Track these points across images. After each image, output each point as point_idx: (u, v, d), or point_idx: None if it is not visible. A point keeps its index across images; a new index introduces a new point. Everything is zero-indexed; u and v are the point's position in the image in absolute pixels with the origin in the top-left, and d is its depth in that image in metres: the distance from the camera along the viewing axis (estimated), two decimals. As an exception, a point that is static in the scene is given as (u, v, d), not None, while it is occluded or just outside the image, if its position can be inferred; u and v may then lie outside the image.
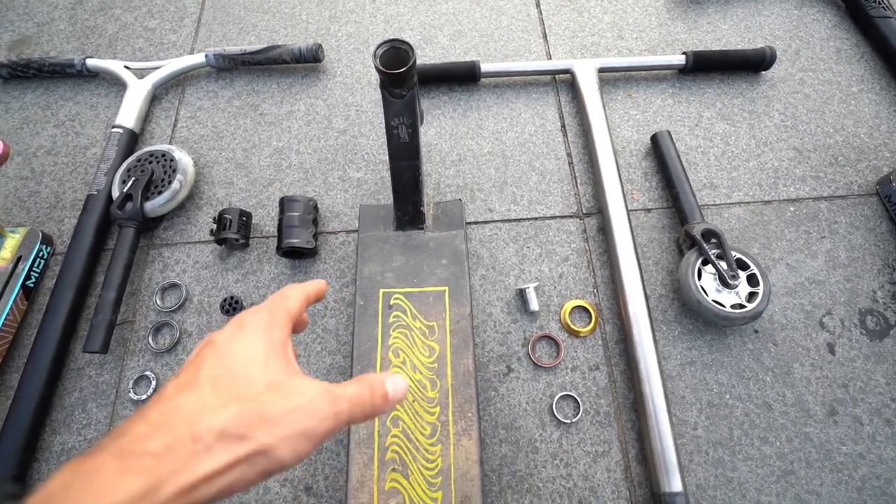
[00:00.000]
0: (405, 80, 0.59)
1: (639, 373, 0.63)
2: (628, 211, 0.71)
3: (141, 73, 0.88)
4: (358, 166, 0.80)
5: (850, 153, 0.79)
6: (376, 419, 0.58)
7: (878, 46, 0.88)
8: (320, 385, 0.27)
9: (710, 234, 0.68)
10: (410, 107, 0.62)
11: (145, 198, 0.74)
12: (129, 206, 0.74)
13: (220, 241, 0.72)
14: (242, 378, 0.26)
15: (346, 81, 0.88)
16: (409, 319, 0.64)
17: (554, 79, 0.86)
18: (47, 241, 0.77)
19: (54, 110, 0.89)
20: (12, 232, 0.76)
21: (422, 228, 0.69)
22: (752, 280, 0.66)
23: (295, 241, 0.69)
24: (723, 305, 0.64)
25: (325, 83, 0.88)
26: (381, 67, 0.56)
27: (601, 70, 0.83)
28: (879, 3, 0.89)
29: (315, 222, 0.73)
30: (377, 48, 0.57)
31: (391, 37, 0.57)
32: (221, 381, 0.26)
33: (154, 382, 0.67)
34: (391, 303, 0.65)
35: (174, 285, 0.73)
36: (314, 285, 0.37)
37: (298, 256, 0.73)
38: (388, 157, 0.62)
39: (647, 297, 0.66)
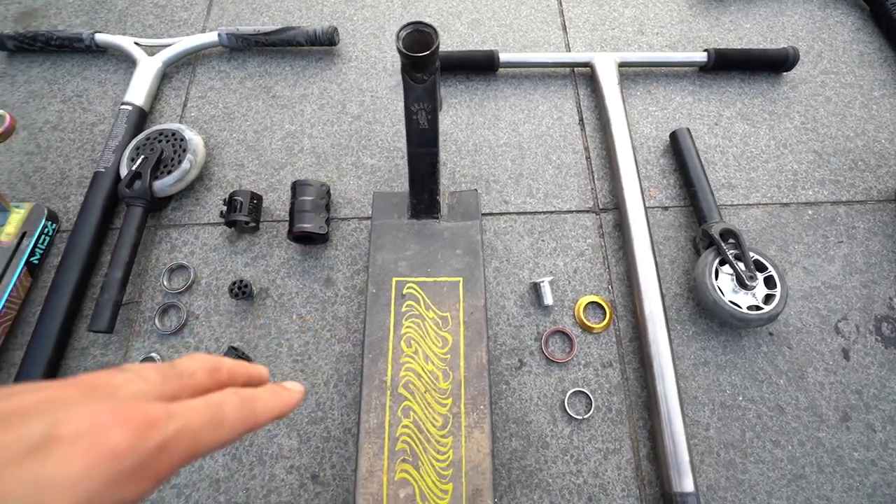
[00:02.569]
0: (427, 64, 0.58)
1: (652, 371, 0.62)
2: (646, 208, 0.70)
3: (151, 51, 0.86)
4: (372, 153, 0.78)
5: (871, 158, 0.78)
6: (387, 409, 0.58)
7: (900, 51, 0.87)
8: None
9: (728, 234, 0.67)
10: (431, 92, 0.61)
11: (154, 177, 0.73)
12: (137, 184, 0.73)
13: (229, 224, 0.71)
14: None
15: (361, 66, 0.86)
16: (423, 309, 0.63)
17: (573, 71, 0.85)
18: (52, 217, 0.75)
19: (61, 85, 0.88)
20: (17, 207, 0.74)
21: (436, 217, 0.68)
22: (769, 282, 0.66)
23: (307, 226, 0.68)
24: (739, 306, 0.63)
25: (339, 67, 0.86)
26: (403, 50, 0.55)
27: (621, 64, 0.82)
28: (903, 8, 0.88)
29: (328, 208, 0.72)
30: (400, 30, 0.56)
31: (411, 21, 0.56)
32: None
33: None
34: (404, 292, 0.64)
35: (182, 267, 0.72)
36: (279, 401, 0.26)
37: (309, 242, 0.71)
38: (403, 144, 0.61)
39: (662, 296, 0.65)
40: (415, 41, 0.57)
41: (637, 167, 0.73)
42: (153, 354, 0.67)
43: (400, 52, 0.55)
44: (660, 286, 0.66)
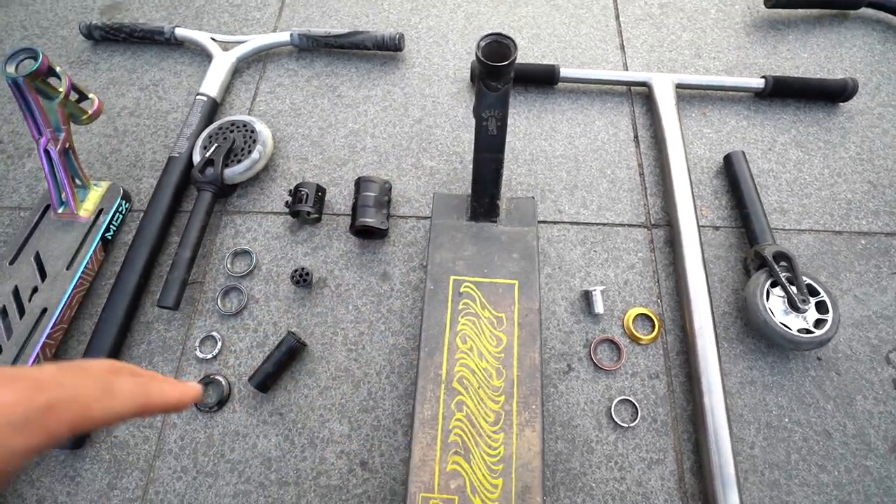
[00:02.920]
0: (503, 74, 0.60)
1: (700, 385, 0.63)
2: (699, 226, 0.72)
3: (226, 46, 0.91)
4: (431, 155, 0.81)
5: (926, 192, 0.79)
6: (441, 401, 0.59)
7: (958, 89, 0.88)
8: None
9: (781, 257, 0.68)
10: (503, 101, 0.63)
11: (225, 164, 0.77)
12: (209, 170, 0.76)
13: (294, 214, 0.74)
14: None
15: (423, 72, 0.90)
16: (478, 308, 0.65)
17: (629, 90, 0.87)
18: (126, 197, 0.79)
19: (139, 74, 0.93)
20: (95, 185, 0.79)
21: (494, 221, 0.71)
22: (820, 307, 0.66)
23: (369, 221, 0.71)
24: (790, 328, 0.64)
25: (403, 72, 0.90)
26: (483, 58, 0.58)
27: (679, 86, 0.84)
28: (963, 47, 0.88)
29: (389, 204, 0.74)
30: (481, 39, 0.59)
31: (495, 31, 0.58)
32: None
33: (220, 344, 0.69)
34: (461, 290, 0.66)
35: (245, 252, 0.75)
36: (175, 392, 0.30)
37: (369, 236, 0.74)
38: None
39: (713, 312, 0.66)
40: (492, 51, 0.60)
41: (691, 186, 0.74)
42: (214, 333, 0.70)
43: (479, 59, 0.58)
44: (710, 303, 0.67)
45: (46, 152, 0.72)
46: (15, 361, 0.64)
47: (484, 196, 0.69)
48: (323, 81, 0.89)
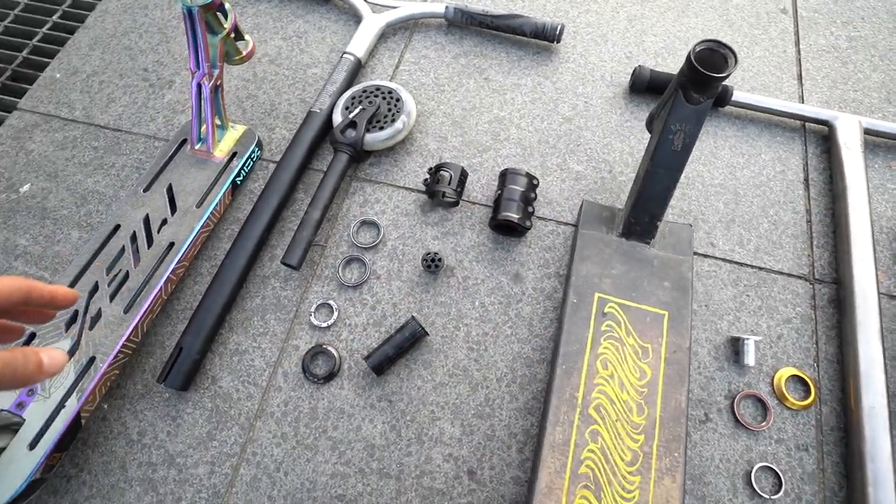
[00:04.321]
0: (712, 86, 0.54)
1: (863, 475, 0.55)
2: (879, 293, 0.64)
3: (376, 9, 0.88)
4: (579, 159, 0.76)
5: None
6: (574, 427, 0.54)
7: None
8: None
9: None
10: (700, 117, 0.57)
11: (367, 129, 0.74)
12: (350, 132, 0.73)
13: (431, 194, 0.70)
14: None
15: (577, 70, 0.84)
16: (623, 333, 0.60)
17: (804, 126, 0.79)
18: (260, 144, 0.77)
19: (284, 24, 0.91)
20: (233, 127, 0.77)
21: (648, 243, 0.65)
22: None
23: (513, 217, 0.66)
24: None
25: (555, 65, 0.84)
26: (696, 64, 0.52)
27: (867, 131, 0.75)
28: None
29: (533, 202, 0.69)
30: (697, 44, 0.53)
31: (708, 38, 0.52)
32: None
33: (336, 314, 0.66)
34: (605, 310, 0.61)
35: (372, 223, 0.72)
36: (53, 291, 0.36)
37: (507, 232, 0.70)
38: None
39: (889, 393, 0.58)
40: (703, 59, 0.54)
41: (874, 246, 0.66)
42: (331, 302, 0.67)
43: (691, 65, 0.52)
44: (886, 382, 0.59)
45: (199, 86, 0.70)
46: (140, 292, 0.63)
47: (644, 214, 0.63)
48: (470, 61, 0.85)
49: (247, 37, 0.73)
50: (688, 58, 0.52)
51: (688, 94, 0.55)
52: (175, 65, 0.87)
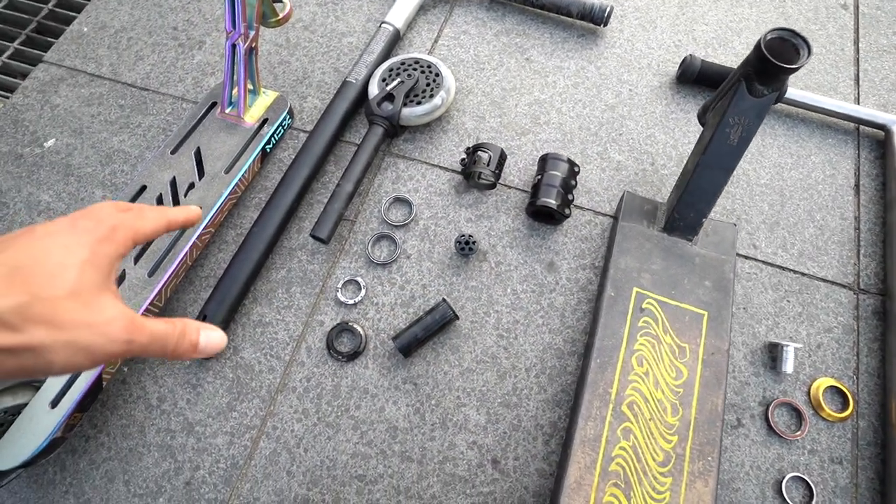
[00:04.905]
0: (780, 79, 0.51)
1: (900, 490, 0.54)
2: (928, 306, 0.61)
3: (417, -21, 0.84)
4: (621, 148, 0.73)
5: None
6: (607, 423, 0.53)
7: None
8: (125, 311, 0.27)
9: None
10: (762, 111, 0.54)
11: (404, 103, 0.71)
12: (386, 105, 0.71)
13: (467, 175, 0.68)
14: (46, 276, 0.25)
15: (623, 55, 0.80)
16: (660, 331, 0.58)
17: (858, 129, 0.75)
18: (291, 112, 0.75)
19: (319, -13, 0.88)
20: (265, 93, 0.74)
21: (690, 240, 0.62)
22: None
23: (553, 203, 0.63)
24: None
25: (601, 50, 0.81)
26: (766, 53, 0.49)
27: (925, 138, 0.72)
28: None
29: (573, 190, 0.67)
30: (768, 31, 0.50)
31: (780, 26, 0.49)
32: (21, 271, 0.25)
33: (363, 292, 0.64)
34: (643, 306, 0.59)
35: (405, 201, 0.70)
36: (184, 213, 0.35)
37: (544, 219, 0.67)
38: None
39: (932, 411, 0.57)
40: (773, 48, 0.51)
41: (926, 258, 0.63)
42: (358, 279, 0.65)
43: (760, 54, 0.49)
44: (930, 399, 0.57)
45: (233, 47, 0.67)
46: (165, 256, 0.61)
47: (690, 210, 0.61)
48: (512, 40, 0.82)
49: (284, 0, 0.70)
50: (757, 46, 0.49)
51: (751, 86, 0.52)
52: (206, 25, 0.84)
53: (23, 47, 0.88)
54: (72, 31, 0.85)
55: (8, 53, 0.88)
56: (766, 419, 0.59)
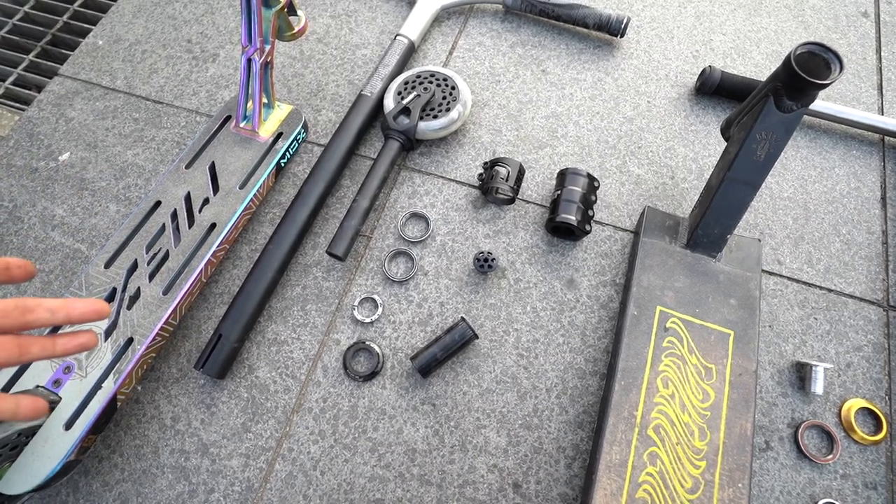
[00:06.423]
0: (809, 93, 0.50)
1: (938, 517, 0.52)
2: (963, 324, 0.60)
3: (431, -10, 0.84)
4: (640, 162, 0.72)
5: None
6: (633, 448, 0.51)
7: None
8: None
9: None
10: (790, 127, 0.53)
11: (420, 117, 0.70)
12: (402, 119, 0.70)
13: (485, 190, 0.67)
14: None
15: (641, 67, 0.79)
16: (685, 351, 0.56)
17: (882, 140, 0.74)
18: (306, 126, 0.74)
19: (333, 1, 0.87)
20: (279, 106, 0.74)
21: (714, 256, 0.61)
22: None
23: (573, 219, 0.62)
24: None
25: (618, 61, 0.80)
26: (796, 68, 0.48)
27: (953, 151, 0.70)
28: None
29: (593, 205, 0.66)
30: (798, 45, 0.49)
31: (809, 40, 0.48)
32: None
33: (380, 309, 0.63)
34: (667, 325, 0.57)
35: (421, 216, 0.69)
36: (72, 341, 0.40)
37: (563, 235, 0.66)
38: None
39: (970, 434, 0.55)
40: (803, 62, 0.50)
41: (958, 274, 0.62)
42: (375, 297, 0.64)
43: (790, 68, 0.48)
44: (968, 422, 0.55)
45: (249, 61, 0.67)
46: (180, 273, 0.60)
47: (715, 226, 0.59)
48: (528, 52, 0.81)
49: (300, 12, 0.70)
50: (786, 60, 0.48)
51: (780, 101, 0.51)
52: (219, 37, 0.84)
53: (38, 59, 0.88)
54: (87, 43, 0.85)
55: (24, 66, 0.88)
56: (796, 442, 0.57)
